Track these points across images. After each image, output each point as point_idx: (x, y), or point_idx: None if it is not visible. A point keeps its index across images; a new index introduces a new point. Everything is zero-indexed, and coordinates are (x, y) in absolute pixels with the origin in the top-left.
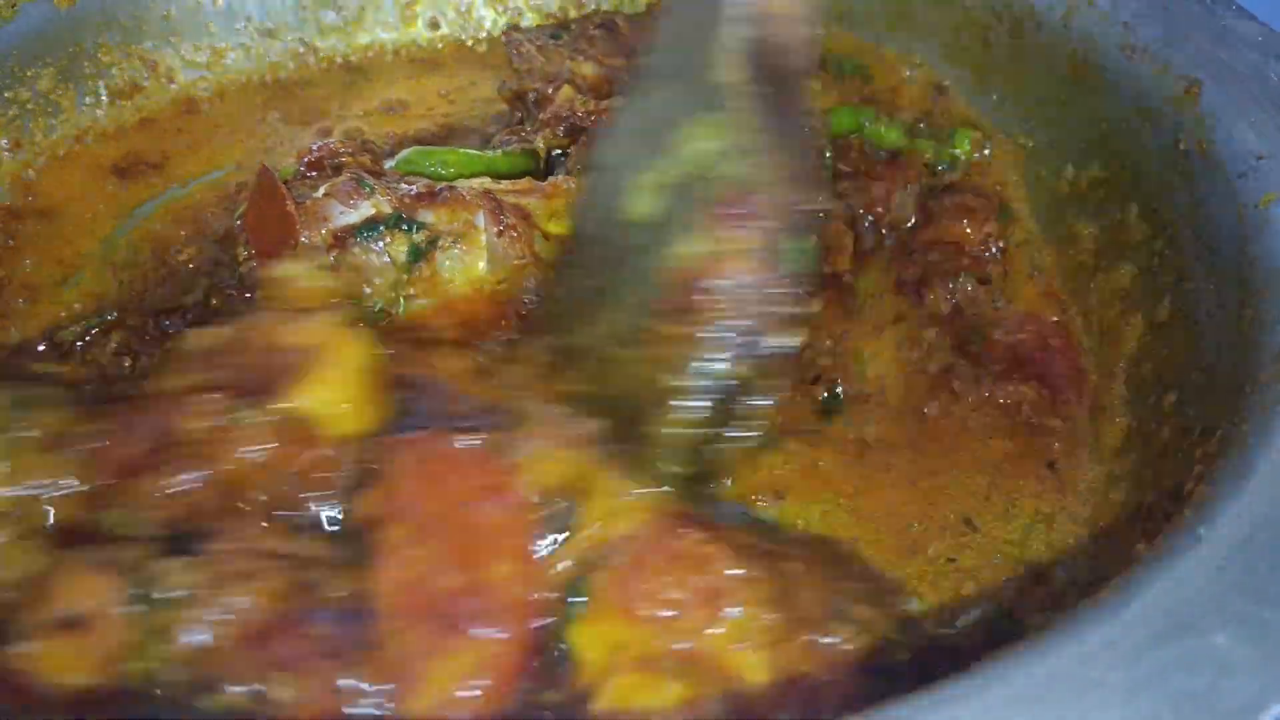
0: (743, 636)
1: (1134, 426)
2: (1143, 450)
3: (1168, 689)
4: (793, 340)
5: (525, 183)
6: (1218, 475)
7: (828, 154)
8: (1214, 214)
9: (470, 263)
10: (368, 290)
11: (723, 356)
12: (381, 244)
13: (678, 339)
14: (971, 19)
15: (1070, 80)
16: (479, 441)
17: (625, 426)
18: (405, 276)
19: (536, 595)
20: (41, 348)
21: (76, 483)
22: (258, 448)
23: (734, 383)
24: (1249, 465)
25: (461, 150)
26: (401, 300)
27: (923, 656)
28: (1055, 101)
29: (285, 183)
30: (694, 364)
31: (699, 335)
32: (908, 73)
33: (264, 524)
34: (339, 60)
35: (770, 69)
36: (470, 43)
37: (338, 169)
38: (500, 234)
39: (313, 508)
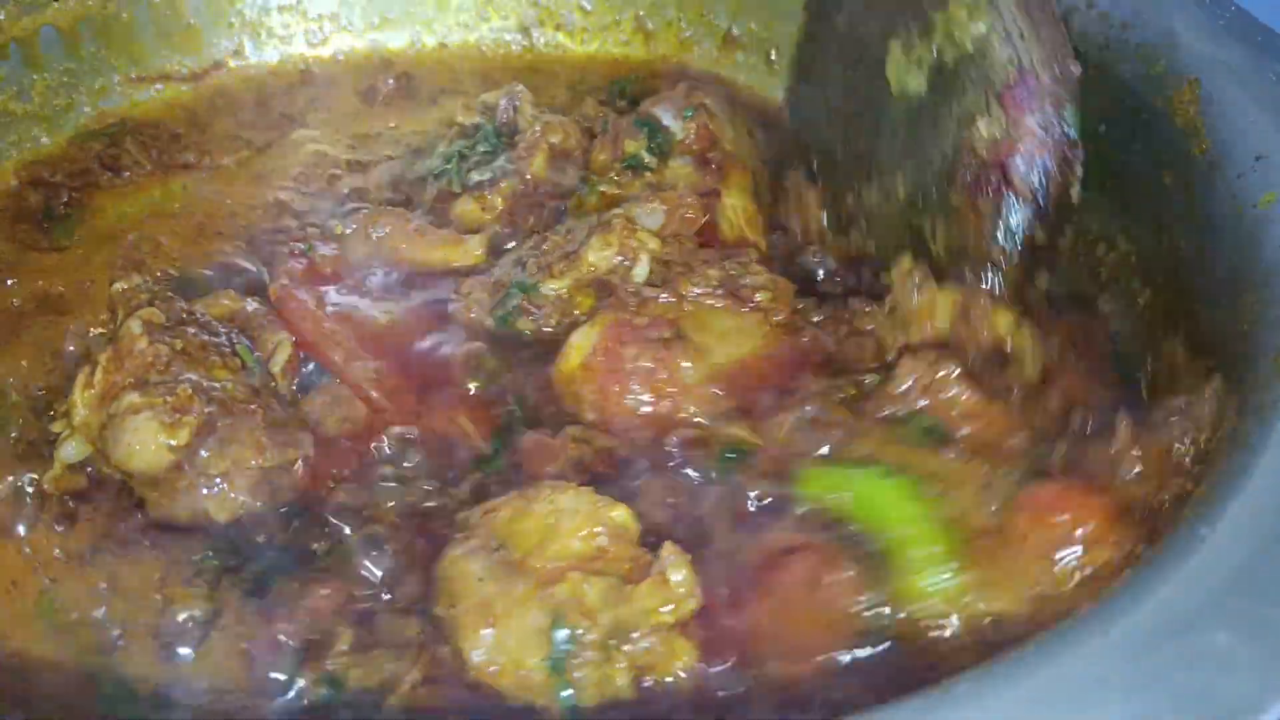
0: None
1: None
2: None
3: (1169, 687)
4: (1075, 200)
5: None
6: (1218, 475)
7: None
8: (1213, 214)
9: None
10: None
11: (1016, 225)
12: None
13: (972, 208)
14: None
15: None
16: None
17: None
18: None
19: None
20: None
21: None
22: None
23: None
24: (1250, 464)
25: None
26: None
27: None
28: None
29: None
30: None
31: (995, 206)
32: None
33: None
34: None
35: None
36: None
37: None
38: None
39: None
